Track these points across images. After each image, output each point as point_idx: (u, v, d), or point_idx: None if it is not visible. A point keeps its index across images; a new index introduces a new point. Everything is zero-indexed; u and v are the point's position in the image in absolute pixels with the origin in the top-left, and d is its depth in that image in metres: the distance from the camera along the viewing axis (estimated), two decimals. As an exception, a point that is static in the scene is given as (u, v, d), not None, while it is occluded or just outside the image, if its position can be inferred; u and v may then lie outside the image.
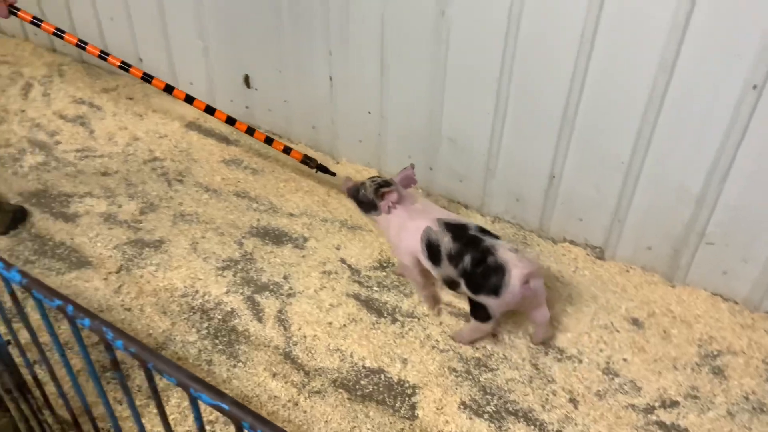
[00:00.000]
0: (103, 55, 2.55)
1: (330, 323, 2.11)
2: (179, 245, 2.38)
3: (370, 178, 2.18)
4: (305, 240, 2.42)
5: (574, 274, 2.31)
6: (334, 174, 2.64)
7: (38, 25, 2.47)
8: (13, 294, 1.00)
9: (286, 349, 2.02)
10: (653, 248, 2.23)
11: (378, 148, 2.65)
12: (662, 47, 1.85)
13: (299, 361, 1.99)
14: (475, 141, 2.35)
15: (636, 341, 2.07)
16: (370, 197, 2.11)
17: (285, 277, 2.27)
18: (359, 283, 2.24)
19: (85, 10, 3.24)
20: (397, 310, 2.15)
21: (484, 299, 1.87)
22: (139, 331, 2.06)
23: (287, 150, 2.59)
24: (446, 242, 1.92)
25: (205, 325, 2.09)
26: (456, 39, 2.17)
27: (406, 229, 2.04)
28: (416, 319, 2.12)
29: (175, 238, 2.41)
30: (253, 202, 2.60)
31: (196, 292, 2.20)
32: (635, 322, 2.14)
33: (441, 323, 2.11)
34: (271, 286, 2.23)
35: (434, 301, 2.16)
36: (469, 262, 1.86)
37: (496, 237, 1.94)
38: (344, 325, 2.10)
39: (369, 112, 2.57)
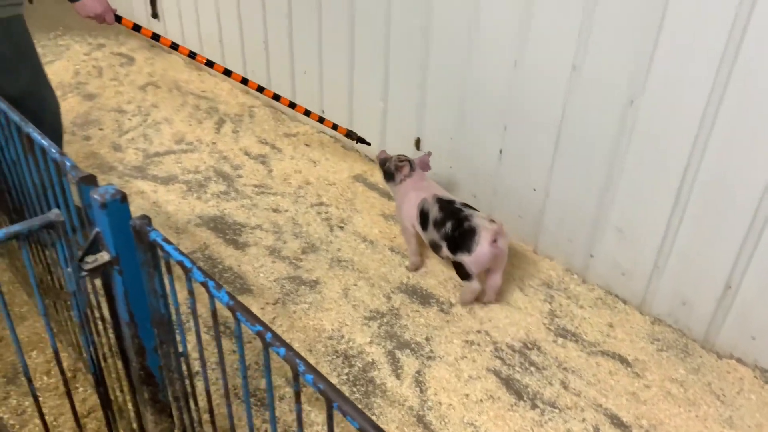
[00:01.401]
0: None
1: (467, 395, 2.07)
2: (332, 288, 2.47)
3: (397, 155, 2.66)
4: (451, 306, 2.42)
5: (738, 396, 2.10)
6: (369, 144, 3.22)
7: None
8: (214, 312, 1.09)
9: (420, 412, 2.01)
10: (839, 385, 1.99)
11: (537, 226, 2.62)
12: None
13: (432, 427, 1.96)
14: (645, 235, 2.25)
15: (807, 487, 1.83)
16: (392, 169, 2.62)
17: (427, 339, 2.27)
18: (501, 359, 2.20)
19: (282, 62, 3.56)
20: (538, 396, 2.07)
21: (460, 257, 2.28)
22: (283, 364, 2.15)
23: (335, 126, 3.20)
24: (434, 211, 2.39)
25: (346, 370, 2.14)
26: (642, 129, 2.13)
27: (409, 198, 2.53)
28: (557, 410, 2.03)
29: (329, 281, 2.51)
30: (405, 259, 2.65)
31: (342, 336, 2.27)
32: (807, 464, 1.90)
33: (584, 420, 2.00)
34: (413, 345, 2.24)
35: (418, 264, 2.60)
36: (449, 227, 2.31)
37: (476, 210, 2.37)
38: (481, 400, 2.06)
39: (534, 189, 2.56)
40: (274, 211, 2.92)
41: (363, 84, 3.13)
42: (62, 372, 1.39)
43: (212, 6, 3.91)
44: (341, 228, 2.83)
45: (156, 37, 2.94)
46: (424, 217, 2.43)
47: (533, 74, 2.37)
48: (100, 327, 1.58)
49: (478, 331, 2.30)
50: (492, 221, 2.25)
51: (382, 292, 2.47)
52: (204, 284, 1.04)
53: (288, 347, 0.91)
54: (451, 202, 2.39)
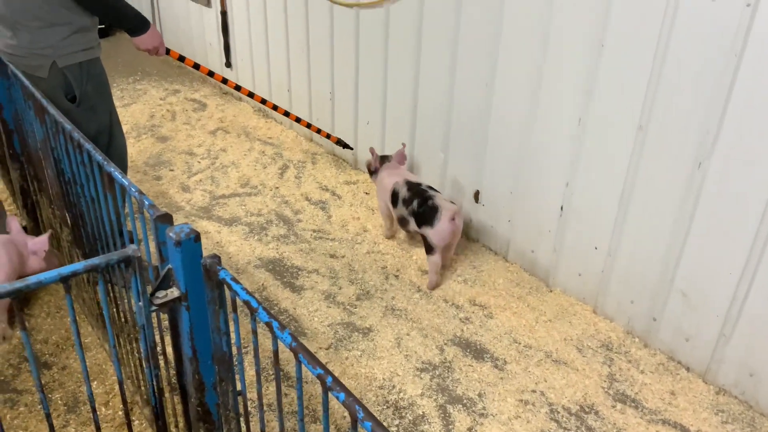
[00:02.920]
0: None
1: (519, 456, 2.01)
2: (385, 337, 2.47)
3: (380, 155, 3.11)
4: (506, 362, 2.38)
5: (814, 479, 1.97)
6: (351, 148, 3.70)
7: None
8: (276, 352, 1.11)
9: (470, 471, 1.96)
10: None
11: (598, 286, 2.57)
12: None
13: (482, 487, 1.91)
14: (712, 300, 2.18)
15: None
16: (371, 168, 3.10)
17: (480, 395, 2.23)
18: (557, 422, 2.13)
19: (347, 112, 3.67)
20: (594, 462, 1.99)
21: (424, 230, 2.69)
22: (334, 411, 2.14)
23: (328, 135, 3.71)
24: (403, 191, 2.81)
25: (396, 422, 2.11)
26: (710, 192, 2.08)
27: (384, 183, 2.95)
28: (615, 479, 1.94)
29: (383, 329, 2.51)
30: (460, 311, 2.64)
31: (393, 387, 2.25)
32: None
33: (643, 491, 1.90)
34: (465, 401, 2.20)
35: (390, 236, 3.09)
36: (416, 205, 2.72)
37: (438, 192, 2.81)
38: (534, 463, 1.99)
39: (595, 248, 2.52)
40: (332, 256, 2.96)
41: (425, 135, 3.19)
42: (125, 403, 1.43)
43: (283, 58, 4.08)
44: (396, 276, 2.84)
45: (196, 66, 3.21)
46: (395, 196, 2.86)
47: (598, 132, 2.36)
48: (161, 361, 1.62)
49: (533, 391, 2.24)
50: (452, 202, 2.69)
51: (435, 343, 2.45)
52: (268, 324, 1.07)
53: (348, 392, 0.92)
54: (418, 185, 2.81)
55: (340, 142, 3.71)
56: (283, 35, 4.01)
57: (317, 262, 2.91)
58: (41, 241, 2.42)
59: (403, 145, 3.09)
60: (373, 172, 3.10)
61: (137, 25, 2.58)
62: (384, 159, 3.07)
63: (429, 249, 2.71)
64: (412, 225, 2.77)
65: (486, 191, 2.96)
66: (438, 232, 2.65)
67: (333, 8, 3.48)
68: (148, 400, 1.95)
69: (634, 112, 2.22)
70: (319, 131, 3.73)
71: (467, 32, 2.75)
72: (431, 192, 2.76)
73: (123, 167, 2.78)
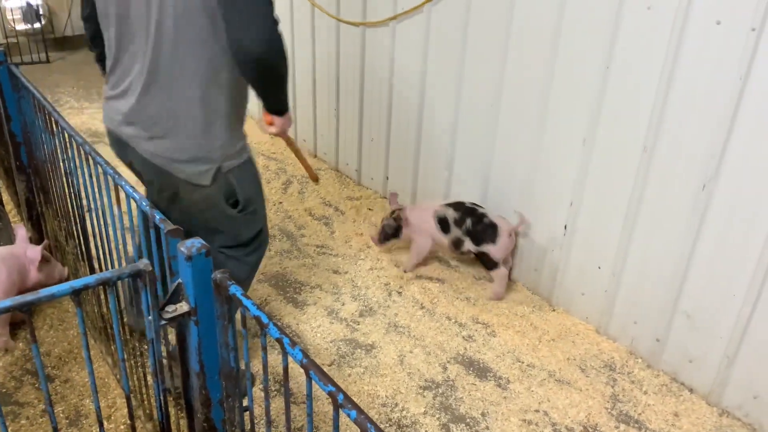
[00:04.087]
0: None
1: (523, 476, 2.00)
2: (388, 354, 2.46)
3: (385, 217, 3.00)
4: (509, 381, 2.37)
5: (818, 504, 1.96)
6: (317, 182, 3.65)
7: None
8: (286, 368, 1.11)
9: (473, 491, 1.95)
10: None
11: (601, 306, 2.57)
12: None
13: (485, 507, 1.90)
14: (717, 322, 2.18)
15: None
16: (393, 226, 2.96)
17: (483, 414, 2.22)
18: (560, 441, 2.12)
19: (351, 129, 3.69)
20: (598, 483, 1.98)
21: (486, 248, 2.75)
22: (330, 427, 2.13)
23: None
24: (451, 213, 2.81)
25: (399, 440, 2.11)
26: (715, 213, 2.09)
27: (423, 220, 2.89)
28: (618, 501, 1.93)
29: (385, 346, 2.50)
30: (463, 329, 2.63)
31: (396, 405, 2.24)
32: None
33: None
34: (468, 420, 2.20)
35: (413, 269, 3.00)
36: (470, 223, 2.76)
37: (483, 207, 2.83)
38: (537, 483, 1.98)
39: (599, 267, 2.53)
40: (334, 272, 2.97)
41: (429, 152, 3.21)
42: (132, 417, 1.43)
43: (288, 75, 4.10)
44: (399, 293, 2.84)
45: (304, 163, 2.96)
46: (443, 223, 2.84)
47: (602, 153, 2.38)
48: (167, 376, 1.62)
49: (537, 411, 2.24)
50: (503, 218, 2.79)
51: (438, 361, 2.45)
52: (279, 341, 1.07)
53: (360, 410, 0.92)
54: (461, 203, 2.84)
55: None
56: (288, 52, 4.03)
57: (320, 278, 2.91)
58: (33, 251, 2.41)
59: (392, 193, 3.02)
60: (395, 230, 2.95)
61: (284, 107, 2.14)
62: (399, 211, 2.93)
63: (493, 265, 2.78)
64: (468, 244, 2.79)
65: (489, 209, 2.96)
66: (500, 248, 2.75)
67: (339, 26, 3.52)
68: (150, 415, 1.94)
69: (638, 134, 2.23)
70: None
71: (473, 51, 2.78)
72: (480, 209, 2.80)
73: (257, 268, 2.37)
